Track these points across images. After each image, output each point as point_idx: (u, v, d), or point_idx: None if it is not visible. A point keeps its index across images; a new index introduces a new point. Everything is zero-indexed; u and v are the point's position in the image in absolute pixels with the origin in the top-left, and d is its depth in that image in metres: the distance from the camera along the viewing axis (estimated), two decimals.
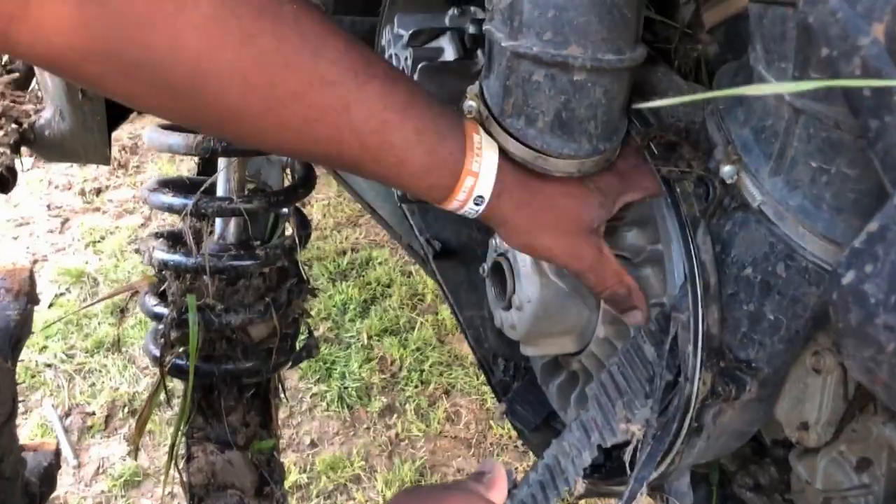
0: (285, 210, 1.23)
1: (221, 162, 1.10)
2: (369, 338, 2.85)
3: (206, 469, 1.12)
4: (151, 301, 1.17)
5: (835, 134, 0.76)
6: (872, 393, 0.59)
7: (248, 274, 1.14)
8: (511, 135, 0.88)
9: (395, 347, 2.80)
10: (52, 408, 2.37)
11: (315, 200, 3.73)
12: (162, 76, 0.61)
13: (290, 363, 1.27)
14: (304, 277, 1.25)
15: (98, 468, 2.24)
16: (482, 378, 2.72)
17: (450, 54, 1.26)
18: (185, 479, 1.13)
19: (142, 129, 4.16)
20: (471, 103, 0.88)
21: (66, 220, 3.36)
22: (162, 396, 1.17)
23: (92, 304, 2.30)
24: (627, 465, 0.99)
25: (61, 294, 2.89)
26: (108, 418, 2.38)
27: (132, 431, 2.34)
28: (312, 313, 2.90)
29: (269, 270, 1.19)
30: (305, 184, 1.19)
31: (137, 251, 1.13)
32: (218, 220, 1.18)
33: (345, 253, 3.36)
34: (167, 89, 0.62)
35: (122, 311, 1.28)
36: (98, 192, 3.55)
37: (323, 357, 2.73)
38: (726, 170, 0.86)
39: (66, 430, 2.32)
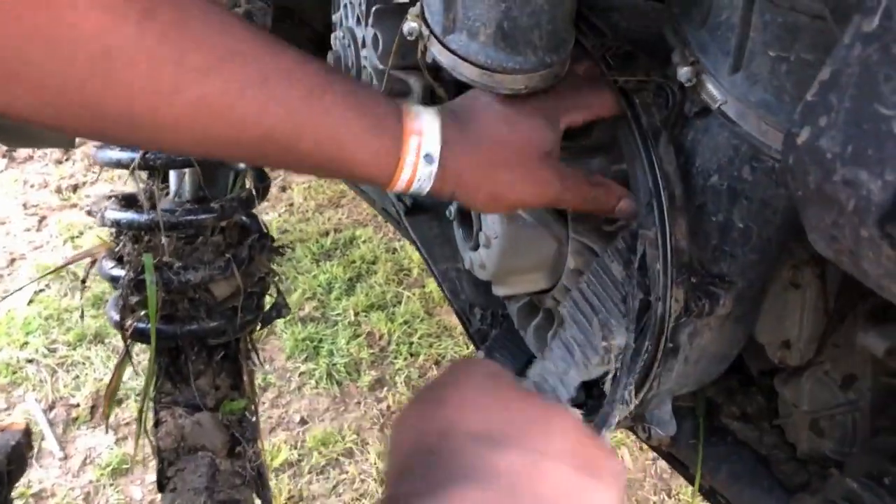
0: (241, 164, 1.19)
1: None
2: (356, 314, 2.82)
3: (175, 432, 1.08)
4: (108, 264, 1.13)
5: (791, 17, 0.72)
6: (839, 266, 0.55)
7: (205, 229, 1.11)
8: (454, 53, 0.85)
9: (382, 322, 2.77)
10: (35, 402, 2.33)
11: (296, 184, 3.68)
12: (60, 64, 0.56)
13: (259, 324, 1.24)
14: (267, 233, 1.21)
15: (85, 459, 2.21)
16: (472, 347, 2.69)
17: None
18: (153, 443, 1.09)
19: None
20: (412, 24, 0.85)
21: (44, 217, 3.31)
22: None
23: (47, 274, 2.26)
24: (608, 394, 0.96)
25: (41, 290, 2.85)
26: (93, 409, 2.34)
27: (118, 420, 2.31)
28: (296, 291, 2.87)
29: (228, 226, 1.15)
30: None
31: (90, 212, 1.09)
32: (172, 177, 1.14)
33: (328, 234, 3.32)
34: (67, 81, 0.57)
35: (83, 282, 1.24)
36: (75, 188, 3.50)
37: (309, 335, 2.69)
38: (683, 72, 0.82)
39: (51, 423, 2.28)
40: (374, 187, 1.81)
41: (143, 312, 1.11)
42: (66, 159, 3.67)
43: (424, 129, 0.74)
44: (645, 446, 2.35)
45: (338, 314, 2.83)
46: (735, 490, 1.13)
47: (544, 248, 1.06)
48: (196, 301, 1.13)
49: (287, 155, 0.69)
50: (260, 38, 0.65)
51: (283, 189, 3.63)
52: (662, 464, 2.32)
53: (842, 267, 0.56)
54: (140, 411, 1.14)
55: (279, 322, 2.76)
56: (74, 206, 3.37)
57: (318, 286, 2.96)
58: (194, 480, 1.01)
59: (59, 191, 3.46)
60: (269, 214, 3.36)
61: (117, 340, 2.60)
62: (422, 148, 0.74)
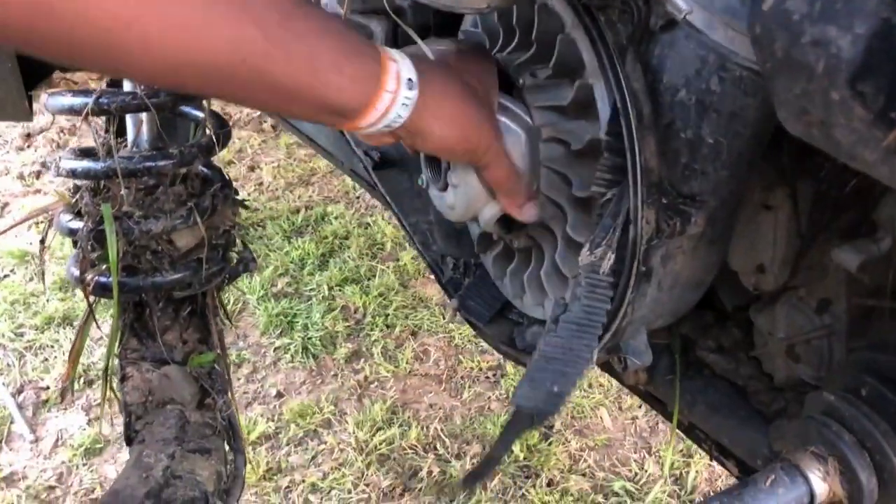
0: (200, 114, 1.16)
1: None
2: (330, 288, 2.79)
3: (142, 386, 1.05)
4: (66, 218, 1.09)
5: None
6: (811, 143, 0.54)
7: (165, 177, 1.07)
8: None
9: (357, 295, 2.74)
10: (3, 385, 2.28)
11: (264, 163, 3.64)
12: None
13: (226, 278, 1.21)
14: (230, 183, 1.18)
15: (57, 440, 2.16)
16: (447, 317, 2.67)
17: None
18: (120, 399, 1.06)
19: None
20: None
21: (6, 204, 3.24)
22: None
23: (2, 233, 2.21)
24: None
25: (6, 276, 2.79)
26: (63, 391, 2.29)
27: (90, 401, 2.27)
28: (268, 267, 2.84)
29: (189, 176, 1.12)
30: None
31: (44, 164, 1.05)
32: (129, 126, 1.10)
33: (299, 211, 3.29)
34: None
35: (42, 242, 1.20)
36: (38, 174, 3.43)
37: (283, 311, 2.66)
38: None
39: (20, 407, 2.24)
40: (341, 150, 1.79)
41: (104, 266, 1.07)
42: (28, 146, 3.59)
43: (399, 59, 0.74)
44: (624, 406, 2.36)
45: (311, 289, 2.80)
46: (713, 422, 1.12)
47: None
48: (159, 253, 1.09)
49: (259, 82, 0.66)
50: None
51: (252, 168, 3.58)
52: (642, 423, 2.33)
53: (813, 143, 0.54)
54: (105, 369, 1.10)
55: (252, 298, 2.73)
56: (38, 191, 3.30)
57: (291, 262, 2.92)
58: (163, 432, 0.98)
59: (21, 177, 3.39)
60: (239, 194, 3.30)
61: None
62: (402, 74, 0.73)
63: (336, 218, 3.21)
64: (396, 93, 0.72)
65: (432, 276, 2.89)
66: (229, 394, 1.10)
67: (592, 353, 0.96)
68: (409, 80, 0.73)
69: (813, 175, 0.91)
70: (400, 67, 0.73)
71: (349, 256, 2.96)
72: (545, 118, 0.97)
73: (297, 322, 2.63)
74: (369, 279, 2.84)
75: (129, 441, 1.01)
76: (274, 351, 2.53)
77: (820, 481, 0.83)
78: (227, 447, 1.03)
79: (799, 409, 1.07)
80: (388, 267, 2.90)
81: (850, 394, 0.85)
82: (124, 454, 2.13)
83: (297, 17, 0.66)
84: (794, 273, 0.99)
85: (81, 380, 2.33)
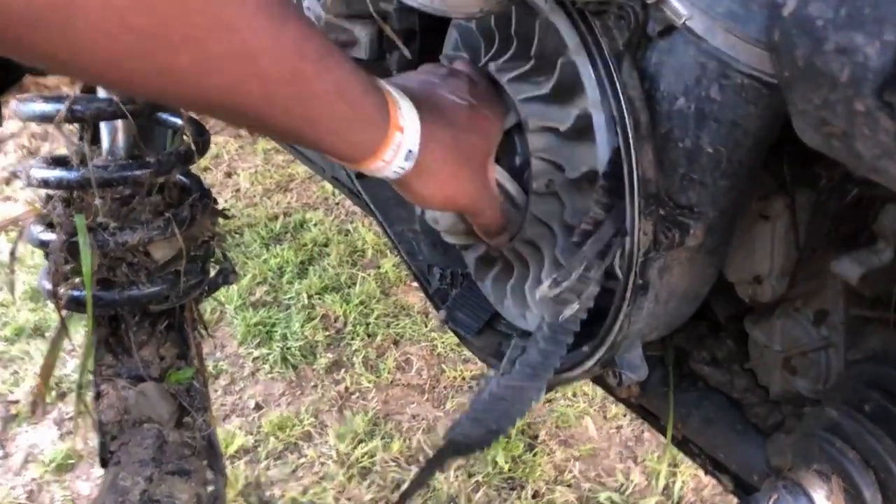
0: (178, 121, 1.12)
1: None
2: (310, 297, 2.74)
3: (118, 404, 1.01)
4: (37, 229, 1.05)
5: None
6: (829, 155, 0.51)
7: (141, 186, 1.03)
8: None
9: (337, 304, 2.70)
10: None
11: (242, 169, 3.59)
12: None
13: (205, 290, 1.17)
14: (209, 192, 1.14)
15: (27, 456, 2.10)
16: (431, 325, 2.64)
17: None
18: (94, 418, 1.02)
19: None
20: None
21: None
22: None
23: None
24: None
25: None
26: (34, 405, 2.22)
27: (61, 415, 2.21)
28: (246, 276, 2.78)
29: (167, 185, 1.08)
30: None
31: (14, 174, 1.01)
32: (104, 134, 1.06)
33: (277, 218, 3.24)
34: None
35: (12, 254, 1.16)
36: (7, 181, 3.35)
37: (262, 320, 2.61)
38: None
39: None
40: (323, 157, 1.76)
41: (77, 279, 1.03)
42: None
43: (407, 126, 0.74)
44: (609, 415, 2.33)
45: (290, 298, 2.75)
46: (708, 435, 1.10)
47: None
48: (135, 265, 1.05)
49: (252, 122, 0.66)
50: (257, 5, 0.58)
51: (229, 174, 3.53)
52: (627, 432, 2.31)
53: (831, 154, 0.52)
54: (79, 385, 1.06)
55: (230, 308, 2.68)
56: (8, 198, 3.22)
57: (269, 270, 2.87)
58: (140, 452, 0.94)
59: None
60: (218, 203, 3.24)
61: None
62: (402, 146, 0.74)
63: (315, 225, 3.16)
64: (390, 162, 0.74)
65: (414, 284, 2.86)
66: (209, 411, 1.06)
67: (540, 395, 0.97)
68: (409, 151, 0.75)
69: (812, 185, 0.89)
70: (403, 138, 0.74)
71: (329, 264, 2.92)
72: (541, 141, 0.95)
73: (276, 332, 2.58)
74: (350, 287, 2.80)
75: (105, 463, 0.96)
76: (252, 361, 2.48)
77: (824, 500, 0.80)
78: (206, 468, 0.99)
79: (796, 422, 1.05)
80: (368, 275, 2.86)
81: (854, 409, 0.83)
82: (97, 470, 2.07)
83: (301, 81, 0.64)
84: (791, 284, 0.97)
85: (53, 392, 2.27)
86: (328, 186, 3.41)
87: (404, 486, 0.99)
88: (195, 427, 1.01)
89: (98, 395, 1.02)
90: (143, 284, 1.05)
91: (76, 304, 1.04)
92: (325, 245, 3.04)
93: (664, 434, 1.17)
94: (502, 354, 1.19)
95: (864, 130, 0.46)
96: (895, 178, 0.48)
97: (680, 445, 1.18)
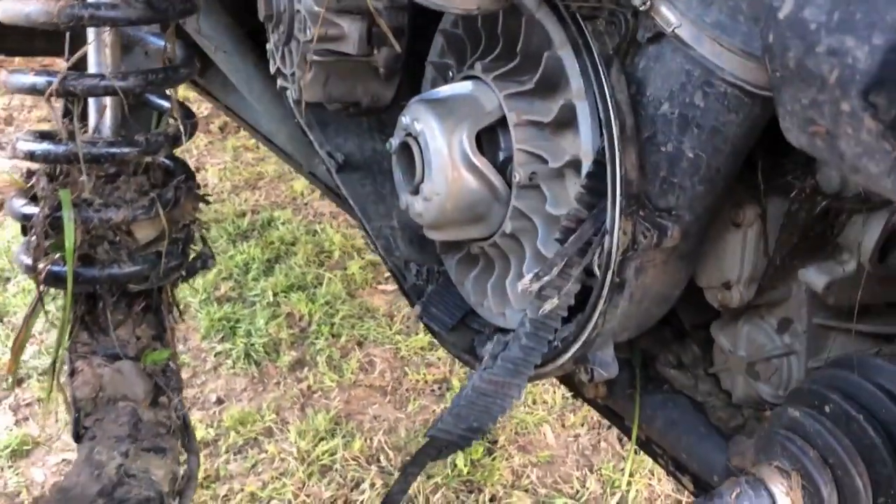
0: (166, 103, 1.12)
1: (91, 33, 0.99)
2: (275, 295, 2.74)
3: (93, 381, 1.01)
4: (19, 202, 1.04)
5: None
6: (812, 155, 0.55)
7: (127, 165, 1.04)
8: None
9: (302, 303, 2.70)
10: None
11: (210, 164, 3.57)
12: None
13: (183, 274, 1.17)
14: (193, 176, 1.15)
15: None
16: (395, 328, 2.65)
17: None
18: (68, 394, 1.02)
19: (17, 101, 3.89)
20: None
21: None
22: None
23: None
24: None
25: None
26: None
27: (18, 401, 2.17)
28: (211, 271, 2.76)
29: (152, 166, 1.08)
30: (187, 64, 1.08)
31: None
32: (92, 111, 1.06)
33: (244, 215, 3.23)
34: None
35: None
36: None
37: (226, 315, 2.60)
38: None
39: None
40: (300, 150, 1.76)
41: (58, 255, 1.03)
42: None
43: None
44: (567, 423, 2.37)
45: (256, 295, 2.75)
46: (672, 437, 1.13)
47: (484, 209, 1.04)
48: (117, 244, 1.05)
49: None
50: None
51: (198, 170, 3.50)
52: (584, 440, 2.34)
53: (814, 154, 0.55)
54: (53, 361, 1.05)
55: (194, 301, 2.66)
56: None
57: (235, 267, 2.86)
58: (115, 429, 0.94)
59: None
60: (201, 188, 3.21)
61: (17, 319, 2.45)
62: None
63: (283, 223, 3.16)
64: None
65: (380, 287, 2.87)
66: (182, 394, 1.06)
67: (521, 392, 0.99)
68: None
69: (783, 196, 0.93)
70: None
71: (295, 263, 2.92)
72: (524, 134, 0.98)
73: (240, 328, 2.57)
74: (316, 287, 2.80)
75: (78, 437, 0.96)
76: (215, 356, 2.46)
77: (783, 495, 0.84)
78: (180, 447, 0.99)
79: (757, 425, 1.09)
80: (335, 275, 2.86)
81: (814, 410, 0.86)
82: (53, 457, 2.05)
83: None
84: (758, 291, 1.01)
85: (10, 379, 2.23)
86: (297, 186, 3.41)
87: (388, 490, 1.00)
88: (170, 407, 1.01)
89: (73, 372, 1.02)
90: (123, 263, 1.05)
91: (55, 280, 1.03)
92: (293, 244, 3.03)
93: (629, 435, 1.20)
94: (475, 351, 1.21)
95: (847, 130, 0.49)
96: (875, 177, 0.51)
97: (643, 446, 1.21)
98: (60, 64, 1.13)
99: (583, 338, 0.96)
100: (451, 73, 1.13)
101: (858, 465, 0.79)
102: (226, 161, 3.60)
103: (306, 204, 3.31)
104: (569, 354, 0.99)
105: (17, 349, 1.11)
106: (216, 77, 1.92)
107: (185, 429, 1.02)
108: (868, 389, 0.80)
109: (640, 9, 0.82)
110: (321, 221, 3.19)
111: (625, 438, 2.31)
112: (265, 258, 2.93)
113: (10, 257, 2.46)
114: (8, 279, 2.58)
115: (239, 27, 1.67)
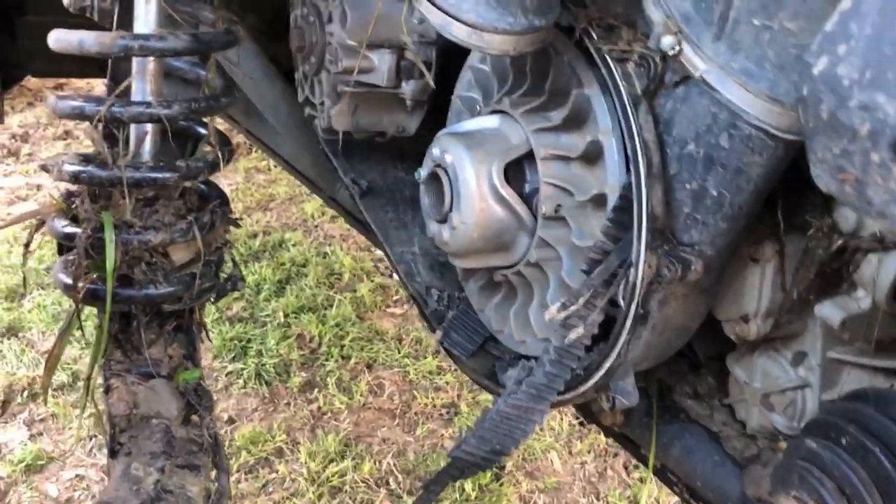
0: (203, 130, 1.16)
1: (136, 63, 1.03)
2: (286, 316, 2.77)
3: (128, 398, 1.04)
4: (61, 223, 1.08)
5: None
6: (841, 200, 0.58)
7: (167, 189, 1.07)
8: (445, 12, 0.87)
9: (313, 324, 2.73)
10: None
11: (222, 186, 3.60)
12: None
13: (215, 294, 1.20)
14: (227, 200, 1.18)
15: None
16: (404, 351, 2.68)
17: None
18: (103, 410, 1.04)
19: (33, 119, 3.94)
20: None
21: None
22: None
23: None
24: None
25: None
26: (5, 403, 2.21)
27: (32, 416, 2.19)
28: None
29: (188, 191, 1.12)
30: (227, 93, 1.12)
31: (44, 168, 1.04)
32: (133, 136, 1.10)
33: (256, 236, 3.26)
34: None
35: (27, 246, 1.18)
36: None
37: (238, 335, 2.63)
38: (667, 41, 0.85)
39: None
40: (322, 176, 1.80)
41: (96, 275, 1.06)
42: None
43: None
44: (574, 450, 2.39)
45: (267, 315, 2.77)
46: (687, 465, 1.16)
47: (510, 239, 1.08)
48: (153, 265, 1.09)
49: None
50: None
51: None
52: (591, 468, 2.36)
53: (842, 199, 0.59)
54: (88, 378, 1.08)
55: (205, 320, 2.69)
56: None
57: (247, 287, 2.89)
58: (150, 445, 0.96)
59: None
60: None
61: (32, 334, 2.48)
62: None
63: (294, 245, 3.20)
64: None
65: (390, 310, 2.90)
66: (213, 412, 1.09)
67: (543, 417, 1.02)
68: None
69: (801, 233, 0.97)
70: None
71: (306, 284, 2.95)
72: (551, 168, 1.01)
73: (251, 348, 2.60)
74: (326, 309, 2.83)
75: (113, 453, 0.99)
76: (226, 376, 2.49)
77: None
78: (212, 465, 1.02)
79: (771, 455, 1.11)
80: (345, 297, 2.89)
81: (831, 442, 0.89)
82: (67, 472, 2.07)
83: None
84: (775, 325, 1.04)
85: (25, 393, 2.25)
86: (308, 208, 3.45)
87: None
88: (202, 425, 1.04)
89: (108, 389, 1.05)
90: (159, 284, 1.08)
91: (94, 298, 1.07)
92: (304, 265, 3.07)
93: (644, 462, 1.23)
94: (495, 376, 1.24)
95: (877, 179, 0.52)
96: None
97: (659, 473, 1.23)
98: (75, 84, 1.17)
99: (605, 366, 0.99)
100: (478, 108, 1.17)
101: (875, 496, 0.81)
102: (237, 182, 3.65)
103: (317, 226, 3.35)
104: (591, 382, 1.02)
105: (52, 364, 1.14)
106: (239, 102, 1.97)
107: (216, 446, 1.05)
108: (884, 423, 0.83)
109: (670, 53, 0.85)
110: (331, 244, 3.23)
111: (631, 466, 2.33)
112: (276, 279, 2.96)
113: (25, 273, 2.49)
114: (23, 295, 2.61)
115: (264, 55, 1.72)
